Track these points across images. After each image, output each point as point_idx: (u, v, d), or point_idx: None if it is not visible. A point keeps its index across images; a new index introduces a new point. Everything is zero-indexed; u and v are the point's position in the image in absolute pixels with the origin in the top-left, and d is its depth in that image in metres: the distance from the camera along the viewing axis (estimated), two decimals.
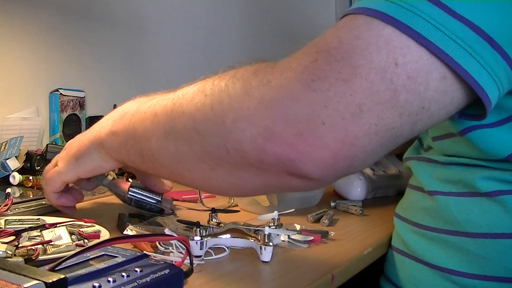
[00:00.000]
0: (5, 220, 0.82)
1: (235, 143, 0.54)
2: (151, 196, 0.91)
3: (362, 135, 0.51)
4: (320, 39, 0.54)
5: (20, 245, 0.71)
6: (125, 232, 0.81)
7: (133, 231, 0.80)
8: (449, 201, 0.71)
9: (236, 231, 0.78)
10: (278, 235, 0.80)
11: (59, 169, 0.81)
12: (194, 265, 0.65)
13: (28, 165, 1.11)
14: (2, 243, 0.69)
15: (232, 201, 1.03)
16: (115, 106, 1.43)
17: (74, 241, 0.74)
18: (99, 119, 1.41)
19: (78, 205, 1.01)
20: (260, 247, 0.74)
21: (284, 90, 0.52)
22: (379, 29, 0.51)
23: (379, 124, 0.51)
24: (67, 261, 0.55)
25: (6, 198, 0.93)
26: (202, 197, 1.01)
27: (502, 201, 0.66)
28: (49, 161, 1.15)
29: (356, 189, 1.06)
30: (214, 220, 0.88)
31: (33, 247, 0.69)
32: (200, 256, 0.73)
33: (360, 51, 0.51)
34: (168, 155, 0.63)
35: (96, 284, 0.52)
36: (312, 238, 0.82)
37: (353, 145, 0.51)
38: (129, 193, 0.90)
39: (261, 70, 0.56)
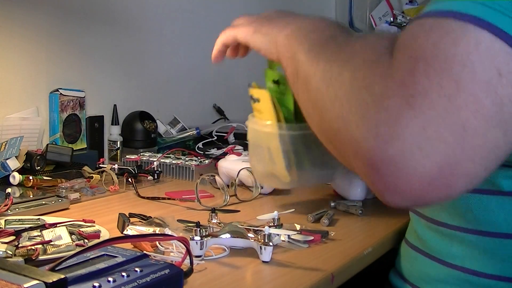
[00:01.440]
0: (5, 220, 0.82)
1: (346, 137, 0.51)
2: None
3: (465, 160, 0.45)
4: (411, 41, 0.48)
5: (20, 245, 0.71)
6: (125, 232, 0.81)
7: (133, 231, 0.80)
8: (469, 198, 0.69)
9: (236, 231, 0.78)
10: (278, 235, 0.80)
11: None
12: (194, 265, 0.65)
13: (28, 165, 1.11)
14: (2, 243, 0.69)
15: (228, 199, 1.04)
16: (115, 106, 1.44)
17: (74, 241, 0.74)
18: (99, 119, 1.43)
19: (78, 205, 1.01)
20: (260, 247, 0.74)
21: (382, 103, 0.46)
22: (476, 35, 0.45)
23: (484, 145, 0.45)
24: (67, 261, 0.55)
25: (6, 198, 0.93)
26: (200, 196, 1.01)
27: None
28: (49, 161, 1.16)
29: (356, 189, 1.06)
30: (214, 220, 0.89)
31: (33, 247, 0.69)
32: (200, 256, 0.73)
33: (460, 61, 0.45)
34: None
35: (96, 284, 0.52)
36: (312, 238, 0.82)
37: (453, 172, 0.45)
38: None
39: (380, 59, 0.50)
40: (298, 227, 0.86)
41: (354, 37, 0.59)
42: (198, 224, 0.75)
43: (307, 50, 0.60)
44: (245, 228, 0.79)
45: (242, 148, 1.34)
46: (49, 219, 0.84)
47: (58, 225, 0.80)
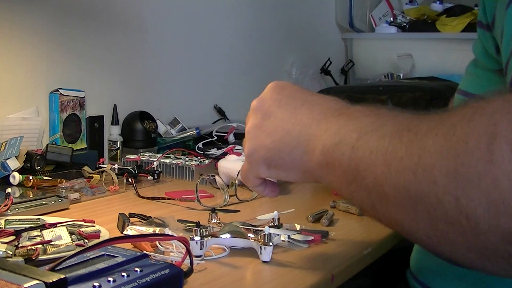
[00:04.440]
0: (5, 220, 0.82)
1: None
2: None
3: None
4: None
5: (20, 245, 0.71)
6: (125, 232, 0.81)
7: (133, 231, 0.80)
8: None
9: (236, 231, 0.78)
10: (278, 235, 0.80)
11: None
12: (194, 265, 0.65)
13: (28, 165, 1.11)
14: (2, 243, 0.69)
15: (228, 199, 1.04)
16: (115, 106, 1.44)
17: (74, 241, 0.74)
18: (99, 119, 1.42)
19: (78, 205, 1.02)
20: (260, 247, 0.74)
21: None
22: None
23: None
24: (67, 261, 0.55)
25: (6, 198, 0.93)
26: (200, 196, 1.01)
27: None
28: (49, 161, 1.16)
29: None
30: (214, 220, 0.89)
31: (33, 247, 0.69)
32: (200, 256, 0.73)
33: None
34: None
35: (96, 284, 0.52)
36: (312, 238, 0.82)
37: None
38: None
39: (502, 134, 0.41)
40: (298, 227, 0.86)
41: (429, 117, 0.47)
42: (198, 224, 0.75)
43: (374, 177, 0.48)
44: (245, 228, 0.79)
45: (242, 148, 1.34)
46: (49, 219, 0.84)
47: (58, 225, 0.80)
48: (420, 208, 0.45)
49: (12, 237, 0.73)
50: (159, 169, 1.24)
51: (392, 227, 0.52)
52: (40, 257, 0.68)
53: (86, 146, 1.37)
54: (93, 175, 1.13)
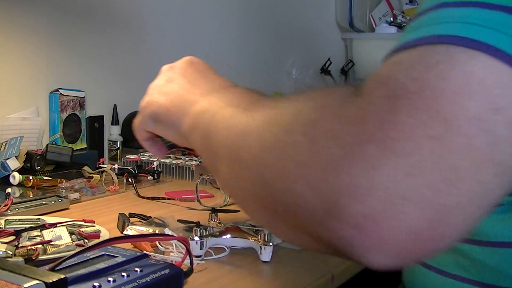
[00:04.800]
0: (5, 220, 0.82)
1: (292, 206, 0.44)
2: None
3: (456, 209, 0.40)
4: (389, 77, 0.42)
5: (20, 245, 0.71)
6: (125, 232, 0.81)
7: (133, 231, 0.80)
8: None
9: (236, 231, 0.78)
10: None
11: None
12: (194, 265, 0.65)
13: (28, 165, 1.11)
14: (2, 243, 0.69)
15: (228, 199, 1.04)
16: (115, 106, 1.44)
17: (74, 241, 0.74)
18: (99, 119, 1.42)
19: (78, 205, 1.02)
20: (260, 247, 0.74)
21: (356, 153, 0.40)
22: (468, 65, 0.40)
23: (477, 191, 0.40)
24: (67, 261, 0.55)
25: (6, 198, 0.93)
26: (200, 196, 1.01)
27: None
28: (49, 161, 1.16)
29: None
30: (214, 220, 0.88)
31: (33, 247, 0.69)
32: (200, 256, 0.73)
33: (450, 97, 0.39)
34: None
35: (96, 284, 0.52)
36: None
37: (443, 223, 0.40)
38: None
39: (345, 105, 0.43)
40: None
41: (291, 96, 0.51)
42: (198, 224, 0.75)
43: (230, 125, 0.54)
44: (245, 228, 0.79)
45: None
46: (49, 219, 0.84)
47: (58, 225, 0.80)
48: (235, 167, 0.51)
49: (12, 237, 0.73)
50: (159, 169, 1.24)
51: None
52: (40, 257, 0.68)
53: (86, 146, 1.37)
54: (93, 175, 1.13)
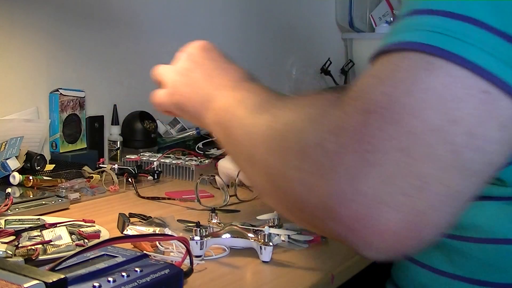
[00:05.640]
0: (5, 220, 0.82)
1: (298, 203, 0.50)
2: None
3: (430, 210, 0.45)
4: (364, 91, 0.47)
5: (20, 245, 0.71)
6: (125, 232, 0.81)
7: (133, 231, 0.80)
8: None
9: (236, 231, 0.78)
10: (278, 235, 0.80)
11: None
12: (194, 265, 0.65)
13: (28, 165, 1.11)
14: (2, 243, 0.69)
15: (228, 199, 1.04)
16: (115, 106, 1.44)
17: (74, 241, 0.74)
18: (99, 119, 1.42)
19: (78, 205, 1.01)
20: (260, 247, 0.74)
21: (337, 161, 0.45)
22: (429, 80, 0.44)
23: (446, 193, 0.45)
24: (67, 261, 0.55)
25: (6, 198, 0.93)
26: (200, 196, 1.01)
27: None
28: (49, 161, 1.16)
29: None
30: (214, 220, 0.89)
31: (33, 247, 0.69)
32: (200, 256, 0.73)
33: (413, 112, 0.44)
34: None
35: (96, 284, 0.52)
36: (312, 238, 0.82)
37: (420, 223, 0.45)
38: None
39: (327, 114, 0.48)
40: (298, 227, 0.86)
41: (287, 98, 0.59)
42: (198, 224, 0.75)
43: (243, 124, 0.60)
44: (245, 228, 0.79)
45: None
46: (49, 219, 0.84)
47: (58, 225, 0.80)
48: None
49: (12, 237, 0.73)
50: (159, 169, 1.24)
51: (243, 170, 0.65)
52: (40, 257, 0.68)
53: (86, 146, 1.37)
54: (93, 175, 1.13)
